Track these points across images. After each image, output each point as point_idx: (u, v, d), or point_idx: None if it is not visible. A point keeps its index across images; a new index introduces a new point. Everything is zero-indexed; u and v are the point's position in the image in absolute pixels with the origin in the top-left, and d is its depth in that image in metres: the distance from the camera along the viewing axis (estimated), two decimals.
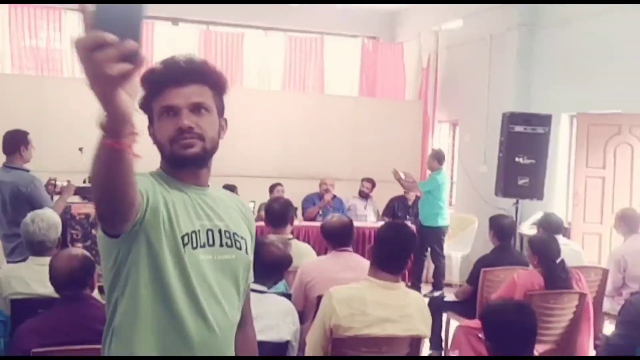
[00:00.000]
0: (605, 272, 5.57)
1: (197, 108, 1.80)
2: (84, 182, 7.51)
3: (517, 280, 4.57)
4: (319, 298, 3.62)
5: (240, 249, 1.87)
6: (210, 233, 1.81)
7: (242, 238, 1.89)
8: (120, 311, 1.74)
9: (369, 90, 11.13)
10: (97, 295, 3.29)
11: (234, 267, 1.85)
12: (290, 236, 4.96)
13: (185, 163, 1.81)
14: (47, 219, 3.96)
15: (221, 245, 1.83)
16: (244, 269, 1.89)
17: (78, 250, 3.22)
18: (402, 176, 8.60)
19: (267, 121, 9.72)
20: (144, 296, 1.71)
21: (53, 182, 6.17)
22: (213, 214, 1.85)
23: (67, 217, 7.11)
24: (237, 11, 10.56)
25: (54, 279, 3.09)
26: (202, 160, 1.83)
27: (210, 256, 1.79)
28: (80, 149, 7.53)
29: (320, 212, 8.84)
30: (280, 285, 4.20)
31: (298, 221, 8.48)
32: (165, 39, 10.14)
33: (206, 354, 1.77)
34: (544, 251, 4.64)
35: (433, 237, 8.49)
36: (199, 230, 1.78)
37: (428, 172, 8.83)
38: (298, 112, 10.02)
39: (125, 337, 1.74)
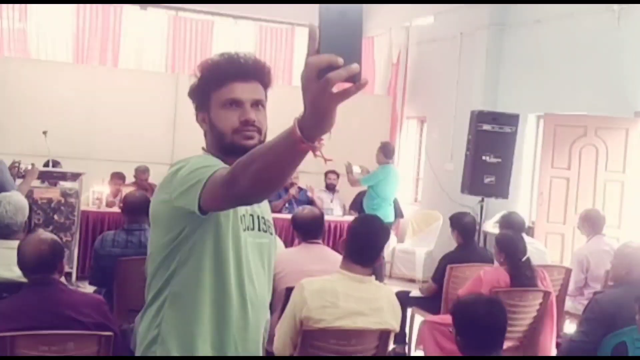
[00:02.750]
0: (568, 272, 5.65)
1: (257, 104, 1.98)
2: (47, 164, 7.41)
3: (483, 277, 4.61)
4: (288, 290, 3.61)
5: (272, 234, 2.06)
6: (251, 218, 1.97)
7: (271, 224, 2.07)
8: (180, 279, 1.87)
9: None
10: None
11: (268, 250, 2.03)
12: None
13: (243, 152, 1.86)
14: (14, 202, 3.87)
15: (259, 229, 2.00)
16: (274, 253, 2.09)
17: (47, 234, 3.16)
18: (359, 170, 8.29)
19: None
20: (206, 268, 1.86)
21: (17, 165, 6.07)
22: None
23: (30, 202, 6.96)
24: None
25: (22, 262, 3.03)
26: None
27: (251, 239, 1.96)
28: (44, 133, 7.41)
29: (286, 205, 8.83)
30: None
31: None
32: (133, 23, 10.01)
33: (241, 328, 1.93)
34: (511, 249, 4.68)
35: None
36: (245, 214, 1.95)
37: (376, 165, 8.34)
38: (268, 104, 9.94)
39: (186, 303, 1.87)
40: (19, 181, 5.90)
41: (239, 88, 1.95)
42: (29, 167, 6.11)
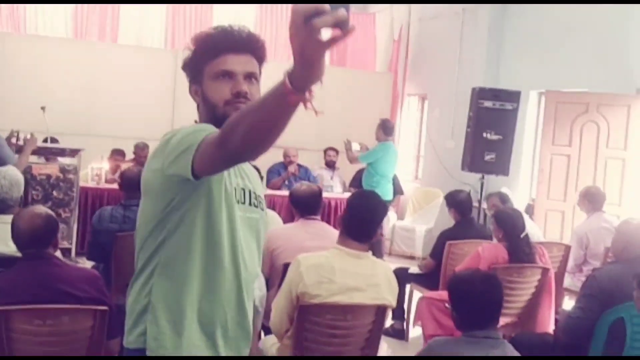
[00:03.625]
0: (567, 249, 5.64)
1: (249, 77, 1.96)
2: (45, 141, 7.38)
3: (482, 253, 4.59)
4: (286, 265, 3.60)
5: (262, 210, 2.05)
6: (243, 192, 1.97)
7: (262, 200, 2.07)
8: (169, 248, 1.87)
9: (339, 60, 11.04)
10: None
11: (258, 225, 2.03)
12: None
13: None
14: (9, 177, 3.85)
15: (250, 204, 1.99)
16: (264, 229, 2.08)
17: (41, 208, 3.13)
18: (358, 147, 8.25)
19: None
20: (197, 237, 1.86)
21: (15, 134, 6.08)
22: (244, 175, 2.01)
23: (28, 177, 6.96)
24: None
25: (16, 237, 3.02)
26: None
27: (242, 213, 1.95)
28: (43, 108, 7.38)
29: (286, 182, 8.80)
30: None
31: (264, 190, 8.42)
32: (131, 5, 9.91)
33: (231, 300, 1.94)
34: (509, 225, 4.67)
35: None
36: (235, 188, 1.94)
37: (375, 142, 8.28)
38: (266, 80, 9.86)
39: (175, 272, 1.87)
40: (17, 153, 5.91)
41: (232, 60, 1.95)
42: (28, 136, 6.10)
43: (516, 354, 2.72)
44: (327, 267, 3.28)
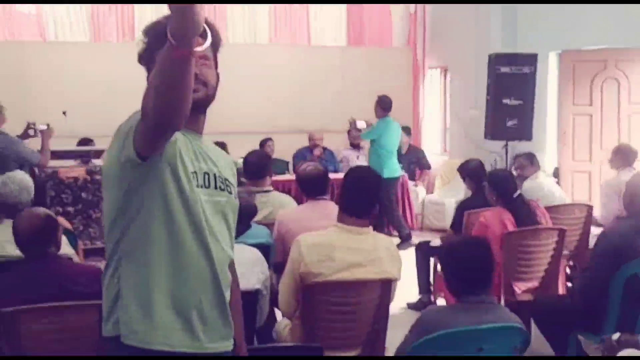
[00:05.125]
0: (590, 209, 5.55)
1: (200, 58, 1.95)
2: (80, 143, 7.55)
3: (485, 221, 4.55)
4: None
5: (230, 193, 2.06)
6: (206, 176, 1.99)
7: (231, 184, 2.08)
8: (132, 235, 1.90)
9: (356, 39, 10.95)
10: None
11: (225, 209, 2.04)
12: (270, 188, 4.95)
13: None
14: (18, 182, 3.96)
15: (215, 187, 2.00)
16: (233, 212, 2.08)
17: (40, 209, 3.22)
18: (364, 124, 8.34)
19: (255, 76, 9.60)
20: (157, 222, 1.89)
21: (32, 125, 6.29)
22: (208, 158, 2.03)
23: (55, 181, 7.12)
24: None
25: (17, 238, 3.11)
26: (204, 104, 2.02)
27: (206, 197, 1.97)
28: (64, 113, 7.53)
29: None
30: (264, 236, 4.20)
31: (290, 175, 8.48)
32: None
33: (205, 286, 1.96)
34: (500, 187, 4.65)
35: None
36: (197, 172, 1.96)
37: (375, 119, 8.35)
38: (285, 65, 9.92)
39: (139, 259, 1.90)
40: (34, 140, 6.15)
41: None
42: (44, 127, 6.27)
43: (513, 316, 2.71)
44: (326, 245, 3.29)
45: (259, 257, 3.50)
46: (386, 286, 3.41)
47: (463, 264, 2.71)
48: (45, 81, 8.84)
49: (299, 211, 4.45)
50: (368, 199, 3.39)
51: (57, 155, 7.05)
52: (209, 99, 2.03)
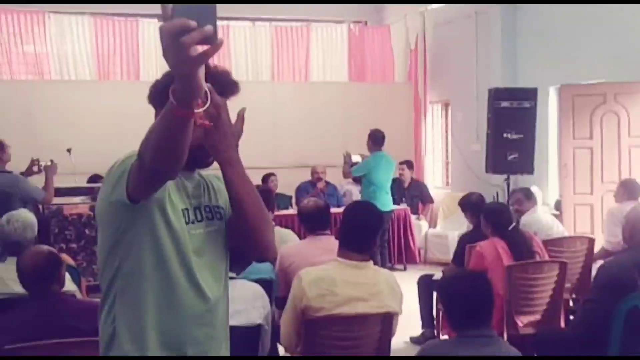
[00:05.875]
0: (591, 242, 5.57)
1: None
2: (91, 180, 7.63)
3: (481, 250, 4.60)
4: None
5: (220, 219, 2.06)
6: (197, 211, 2.01)
7: (221, 208, 2.08)
8: (124, 275, 1.92)
9: (358, 75, 11.09)
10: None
11: (219, 236, 2.06)
12: (272, 224, 4.97)
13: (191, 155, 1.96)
14: (22, 220, 4.00)
15: (208, 219, 2.03)
16: (222, 238, 2.07)
17: (43, 247, 3.25)
18: (359, 158, 8.19)
19: (258, 112, 9.67)
20: (147, 262, 1.91)
21: (36, 162, 6.36)
22: (198, 192, 2.05)
23: (59, 218, 7.18)
24: (223, 4, 10.54)
25: (21, 277, 3.13)
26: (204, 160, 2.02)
27: (200, 230, 2.00)
28: (69, 150, 7.61)
29: None
30: (267, 271, 4.23)
31: (294, 210, 8.51)
32: (151, 35, 10.15)
33: (199, 322, 1.97)
34: (494, 219, 4.72)
35: None
36: (187, 209, 1.98)
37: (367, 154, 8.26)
38: (288, 101, 10.03)
39: (132, 297, 1.92)
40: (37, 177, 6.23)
41: None
42: (48, 163, 6.33)
43: (512, 350, 2.72)
44: (328, 280, 3.32)
45: (260, 292, 3.51)
46: (387, 320, 3.42)
47: (461, 297, 2.72)
48: (50, 119, 8.95)
49: (301, 246, 4.47)
50: (368, 234, 3.43)
51: (61, 192, 7.11)
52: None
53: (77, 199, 7.43)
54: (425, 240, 9.40)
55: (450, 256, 8.94)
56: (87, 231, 7.36)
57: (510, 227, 4.68)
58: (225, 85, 1.98)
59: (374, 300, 3.36)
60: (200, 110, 1.67)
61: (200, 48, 1.44)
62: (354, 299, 3.33)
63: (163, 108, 2.01)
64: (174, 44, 1.41)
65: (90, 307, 3.22)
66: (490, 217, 4.75)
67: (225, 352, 2.10)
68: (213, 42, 1.42)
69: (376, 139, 8.03)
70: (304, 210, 4.52)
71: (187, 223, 1.97)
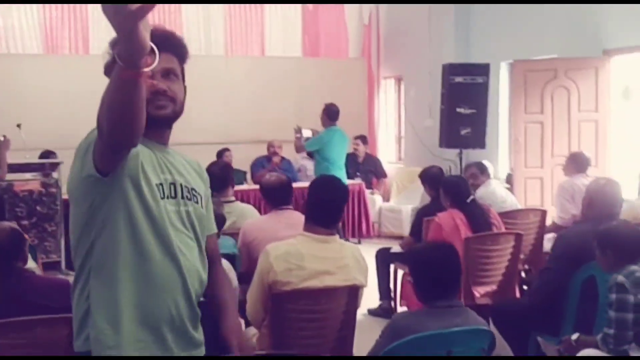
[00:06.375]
0: (543, 214, 5.72)
1: (168, 73, 2.00)
2: (43, 156, 7.47)
3: (439, 221, 4.70)
4: None
5: (197, 202, 2.06)
6: (172, 186, 2.00)
7: (198, 194, 2.08)
8: (98, 251, 1.90)
9: (312, 50, 11.07)
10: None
11: (192, 218, 2.04)
12: (232, 198, 4.99)
13: (157, 123, 1.99)
14: None
15: (182, 197, 2.01)
16: (200, 220, 2.07)
17: (5, 224, 3.19)
18: (309, 133, 8.01)
19: (212, 87, 9.62)
20: (122, 237, 1.89)
21: None
22: (174, 169, 2.03)
23: (10, 195, 7.03)
24: None
25: None
26: (172, 120, 2.05)
27: (174, 207, 1.98)
28: (19, 125, 7.43)
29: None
30: (229, 246, 4.23)
31: (248, 185, 8.50)
32: (100, 8, 9.93)
33: (173, 293, 1.95)
34: (452, 192, 4.84)
35: None
36: (162, 183, 1.97)
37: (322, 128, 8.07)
38: (242, 76, 9.97)
39: (107, 273, 1.90)
40: None
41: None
42: (1, 138, 6.16)
43: (480, 320, 2.80)
44: (295, 254, 3.34)
45: (229, 268, 3.53)
46: (354, 293, 3.47)
47: (432, 269, 2.79)
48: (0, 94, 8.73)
49: (264, 221, 4.49)
50: (335, 208, 3.46)
51: (12, 168, 6.93)
52: (176, 115, 2.04)
53: (28, 175, 7.26)
54: (379, 214, 9.50)
55: (404, 230, 9.17)
56: (38, 208, 7.22)
57: (469, 200, 4.78)
58: (173, 46, 2.00)
59: (340, 273, 3.40)
60: (148, 69, 1.64)
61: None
62: (321, 273, 3.36)
63: None
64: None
65: (56, 283, 3.21)
66: (449, 190, 4.85)
67: (198, 329, 2.09)
68: None
69: (331, 113, 7.85)
70: (266, 185, 4.52)
71: (162, 198, 1.96)
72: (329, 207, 3.42)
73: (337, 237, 3.49)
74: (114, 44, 2.01)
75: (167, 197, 1.98)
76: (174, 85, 2.01)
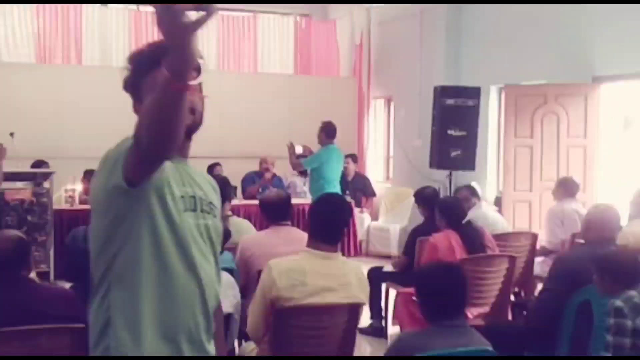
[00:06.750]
0: (534, 237, 5.79)
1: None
2: (34, 165, 7.45)
3: (434, 241, 4.76)
4: (260, 272, 3.68)
5: (215, 216, 2.08)
6: (192, 199, 2.00)
7: (215, 207, 2.10)
8: (120, 262, 1.89)
9: (303, 68, 11.17)
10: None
11: (210, 231, 2.05)
12: (229, 213, 5.01)
13: None
14: None
15: (201, 211, 2.02)
16: (217, 234, 2.10)
17: (11, 231, 3.20)
18: (301, 150, 7.95)
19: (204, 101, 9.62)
20: (145, 248, 1.88)
21: None
22: (194, 182, 2.05)
23: (0, 203, 6.99)
24: None
25: None
26: (192, 131, 2.03)
27: (194, 220, 1.98)
28: (12, 134, 7.41)
29: (260, 190, 8.88)
30: (228, 261, 4.25)
31: (238, 200, 8.51)
32: (94, 20, 9.97)
33: (193, 306, 1.97)
34: (448, 213, 4.91)
35: None
36: (184, 196, 1.97)
37: (318, 146, 7.99)
38: (234, 91, 10.00)
39: (129, 284, 1.89)
40: None
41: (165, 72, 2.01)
42: None
43: (483, 340, 2.84)
44: (298, 270, 3.36)
45: (231, 282, 3.55)
46: (354, 311, 3.51)
47: (440, 288, 2.83)
48: None
49: (262, 236, 4.52)
50: (338, 226, 3.50)
51: (4, 176, 6.91)
52: (196, 126, 2.05)
53: (19, 184, 7.22)
54: (367, 233, 9.55)
55: (392, 249, 9.23)
56: (29, 217, 7.18)
57: (464, 221, 4.84)
58: None
59: (342, 290, 3.42)
60: (195, 82, 1.63)
61: (195, 16, 1.43)
62: (324, 289, 3.39)
63: (136, 98, 2.03)
64: (167, 12, 1.40)
65: (60, 293, 3.22)
66: (445, 211, 4.91)
67: (211, 342, 2.10)
68: (207, 8, 1.41)
69: (329, 132, 7.80)
70: (266, 201, 4.56)
71: (184, 211, 1.97)
72: (333, 224, 3.45)
73: (339, 254, 3.52)
74: (131, 59, 2.05)
75: (188, 210, 1.99)
76: (194, 96, 2.02)
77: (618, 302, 3.24)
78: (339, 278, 3.43)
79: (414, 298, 3.00)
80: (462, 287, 2.86)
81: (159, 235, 1.90)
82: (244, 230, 4.90)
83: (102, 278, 1.94)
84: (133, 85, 2.02)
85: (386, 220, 9.78)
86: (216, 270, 2.11)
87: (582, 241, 4.55)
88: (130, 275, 1.90)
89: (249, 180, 9.08)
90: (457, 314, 2.82)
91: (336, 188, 7.76)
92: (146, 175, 1.82)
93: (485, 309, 4.86)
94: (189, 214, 1.98)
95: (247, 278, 4.32)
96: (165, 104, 1.59)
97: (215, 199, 2.15)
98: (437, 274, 2.93)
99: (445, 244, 4.77)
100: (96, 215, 1.95)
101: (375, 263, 8.02)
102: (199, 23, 1.44)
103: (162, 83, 1.55)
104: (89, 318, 2.00)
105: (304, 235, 4.22)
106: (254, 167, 9.23)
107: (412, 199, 9.18)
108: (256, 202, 8.20)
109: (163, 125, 1.63)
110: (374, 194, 10.04)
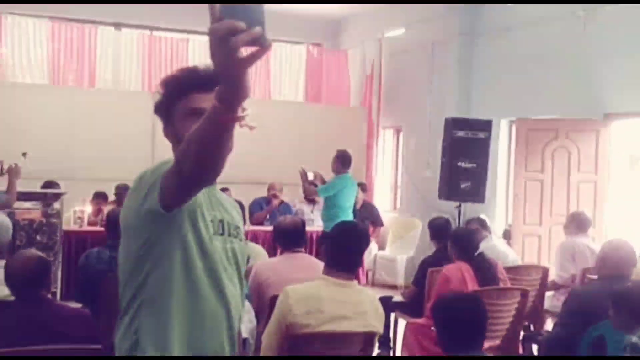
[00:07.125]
0: (545, 271, 5.78)
1: None
2: (45, 186, 7.47)
3: (447, 273, 4.74)
4: (273, 298, 3.68)
5: (241, 240, 2.12)
6: (221, 223, 2.03)
7: (241, 230, 2.14)
8: (151, 285, 1.91)
9: (314, 96, 11.24)
10: None
11: (237, 255, 2.08)
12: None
13: None
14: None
15: (229, 235, 2.05)
16: (243, 258, 2.12)
17: (34, 251, 3.22)
18: (311, 176, 7.95)
19: None
20: (176, 272, 1.91)
21: (0, 164, 6.19)
22: (221, 206, 2.08)
23: (11, 222, 6.99)
24: (181, 16, 10.57)
25: (10, 279, 3.09)
26: None
27: (221, 244, 2.01)
28: (24, 154, 7.43)
29: (268, 217, 8.89)
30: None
31: (247, 226, 8.51)
32: (108, 43, 10.08)
33: (220, 329, 1.99)
34: (461, 244, 4.90)
35: None
36: (213, 220, 2.00)
37: (332, 175, 7.93)
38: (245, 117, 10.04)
39: (159, 308, 1.91)
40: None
41: (199, 98, 1.98)
42: (12, 165, 6.18)
43: None
44: (315, 297, 3.36)
45: (248, 307, 3.55)
46: (369, 339, 3.50)
47: (460, 319, 2.83)
48: (4, 122, 8.77)
49: (277, 262, 4.52)
50: (355, 254, 3.51)
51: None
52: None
53: (28, 204, 7.25)
54: (374, 262, 9.54)
55: (398, 279, 9.21)
56: (38, 237, 7.19)
57: (477, 253, 4.84)
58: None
59: (358, 319, 3.42)
60: (244, 114, 1.62)
61: (249, 50, 1.41)
62: (340, 317, 3.38)
63: (166, 122, 2.07)
64: (222, 46, 1.38)
65: (78, 313, 3.22)
66: (457, 242, 4.90)
67: None
68: (262, 43, 1.39)
69: (345, 161, 7.79)
70: (281, 227, 4.56)
71: (213, 234, 1.99)
72: (351, 252, 3.46)
73: (355, 282, 3.53)
74: (165, 83, 2.08)
75: (217, 234, 2.01)
76: None
77: (635, 338, 3.24)
78: (355, 306, 3.43)
79: (432, 329, 2.98)
80: (483, 318, 2.86)
81: (190, 259, 1.92)
82: (258, 255, 4.90)
83: (131, 300, 1.95)
84: (166, 109, 2.05)
85: (393, 250, 9.78)
86: (241, 293, 2.12)
87: (594, 277, 4.57)
88: (160, 299, 1.91)
89: (257, 206, 9.08)
90: (476, 346, 2.81)
91: (350, 216, 7.76)
92: (184, 201, 1.85)
93: (496, 342, 4.84)
94: (217, 238, 2.00)
95: (260, 303, 4.31)
96: (213, 134, 1.59)
97: (241, 222, 2.17)
98: (459, 305, 2.92)
99: (458, 275, 4.76)
100: (127, 237, 1.96)
101: (382, 292, 7.98)
102: (254, 58, 1.42)
103: (211, 113, 1.55)
104: (115, 339, 2.01)
105: (318, 263, 4.25)
106: (262, 192, 9.24)
107: (420, 230, 9.27)
108: (263, 228, 8.24)
109: (208, 155, 1.64)
110: (381, 224, 10.03)
